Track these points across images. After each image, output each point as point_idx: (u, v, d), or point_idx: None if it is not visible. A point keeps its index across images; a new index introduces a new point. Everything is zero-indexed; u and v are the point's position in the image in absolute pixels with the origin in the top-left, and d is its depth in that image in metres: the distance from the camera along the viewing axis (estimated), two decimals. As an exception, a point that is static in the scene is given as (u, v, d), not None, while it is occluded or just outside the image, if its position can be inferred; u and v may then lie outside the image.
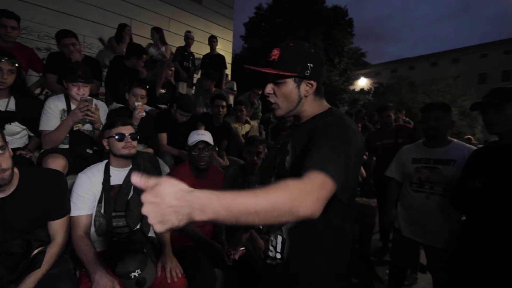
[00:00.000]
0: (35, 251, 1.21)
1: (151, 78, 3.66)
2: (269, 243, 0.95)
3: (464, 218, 1.52)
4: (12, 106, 1.83)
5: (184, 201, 0.50)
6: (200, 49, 5.61)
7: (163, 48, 4.22)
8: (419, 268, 2.61)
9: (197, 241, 1.77)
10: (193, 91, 4.73)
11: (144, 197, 0.50)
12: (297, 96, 0.89)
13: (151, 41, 4.35)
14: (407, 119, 5.25)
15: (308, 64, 0.87)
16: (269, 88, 0.91)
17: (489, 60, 25.82)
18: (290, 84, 0.88)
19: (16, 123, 1.86)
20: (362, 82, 23.07)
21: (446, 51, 29.14)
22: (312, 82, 0.89)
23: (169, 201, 0.49)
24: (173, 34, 5.41)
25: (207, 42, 5.06)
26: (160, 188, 0.49)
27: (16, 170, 1.19)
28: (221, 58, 4.95)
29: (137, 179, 0.51)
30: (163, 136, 2.64)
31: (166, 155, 2.56)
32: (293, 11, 18.67)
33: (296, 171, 0.76)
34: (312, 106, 0.92)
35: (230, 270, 1.75)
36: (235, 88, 5.11)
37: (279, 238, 0.91)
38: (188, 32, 4.74)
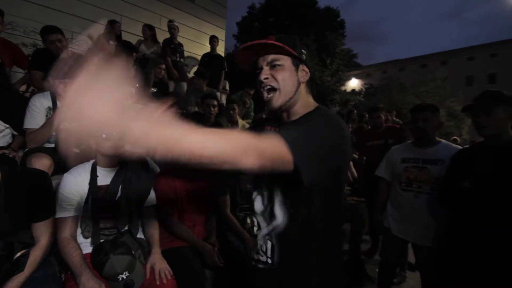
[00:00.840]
0: (18, 254, 1.17)
1: (142, 76, 3.60)
2: (258, 248, 0.93)
3: (451, 217, 1.55)
4: (-6, 103, 1.77)
5: (115, 129, 0.43)
6: (193, 48, 5.56)
7: (155, 48, 4.17)
8: (408, 266, 2.66)
9: (187, 242, 1.75)
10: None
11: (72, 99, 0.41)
12: (296, 80, 0.86)
13: (142, 39, 4.28)
14: (397, 119, 5.34)
15: (303, 50, 0.87)
16: (266, 72, 0.84)
17: (476, 63, 26.56)
18: (288, 66, 0.84)
19: (-1, 121, 1.80)
20: (354, 83, 23.35)
21: (435, 54, 29.83)
22: (306, 69, 0.88)
23: (97, 126, 0.41)
24: (165, 32, 5.34)
25: (200, 41, 5.03)
26: (88, 102, 0.40)
27: (-3, 170, 1.15)
28: (220, 58, 4.91)
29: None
30: (154, 136, 2.60)
31: (156, 154, 2.52)
32: (286, 11, 18.74)
33: (286, 177, 0.72)
34: (303, 101, 0.89)
35: (220, 271, 1.73)
36: (227, 88, 5.09)
37: (269, 244, 0.89)
38: (171, 21, 4.44)
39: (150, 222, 1.60)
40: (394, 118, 5.14)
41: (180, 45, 4.56)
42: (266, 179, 0.92)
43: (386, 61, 34.17)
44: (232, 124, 3.47)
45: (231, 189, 2.12)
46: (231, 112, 3.38)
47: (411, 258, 2.18)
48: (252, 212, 0.98)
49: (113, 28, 3.88)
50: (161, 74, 3.67)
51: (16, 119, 1.83)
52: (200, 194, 1.93)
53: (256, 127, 1.08)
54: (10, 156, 1.76)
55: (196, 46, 5.18)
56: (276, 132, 0.72)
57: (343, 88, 20.19)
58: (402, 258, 2.50)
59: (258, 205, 0.94)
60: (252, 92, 4.47)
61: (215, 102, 2.96)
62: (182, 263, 1.56)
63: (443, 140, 1.87)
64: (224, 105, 4.22)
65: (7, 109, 1.80)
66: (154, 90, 3.37)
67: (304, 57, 0.87)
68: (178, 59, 4.47)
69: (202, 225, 1.94)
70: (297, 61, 0.86)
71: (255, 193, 0.96)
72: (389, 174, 2.02)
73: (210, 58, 4.83)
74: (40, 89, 2.49)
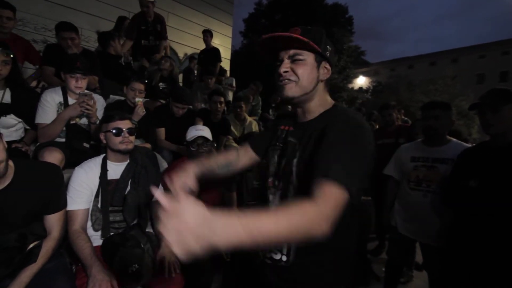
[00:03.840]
0: (31, 245, 1.20)
1: (150, 69, 3.62)
2: (272, 251, 0.92)
3: (456, 216, 1.54)
4: (7, 98, 1.80)
5: (206, 227, 0.47)
6: (199, 45, 5.55)
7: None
8: (415, 266, 2.63)
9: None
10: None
11: (167, 221, 0.46)
12: (316, 77, 0.83)
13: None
14: (406, 118, 5.26)
15: (328, 47, 0.84)
16: (286, 65, 0.82)
17: (487, 61, 25.94)
18: (310, 62, 0.82)
19: (12, 116, 1.83)
20: (361, 81, 23.08)
21: (445, 51, 29.23)
22: (329, 66, 0.85)
23: (192, 227, 0.45)
24: (172, 28, 5.36)
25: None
26: (181, 211, 0.46)
27: (11, 163, 1.17)
28: (216, 51, 4.73)
29: (160, 197, 0.48)
30: (161, 131, 2.62)
31: (164, 150, 2.54)
32: (293, 8, 18.58)
33: (304, 178, 0.75)
34: (320, 99, 0.87)
35: (227, 267, 1.75)
36: (234, 85, 5.08)
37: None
38: None
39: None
40: (403, 117, 5.07)
41: (158, 22, 3.66)
42: (282, 177, 0.91)
43: (394, 58, 33.68)
44: (240, 121, 3.47)
45: (238, 185, 2.13)
46: (238, 110, 3.38)
47: (419, 258, 2.16)
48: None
49: (122, 24, 3.90)
50: (169, 68, 3.47)
51: (28, 114, 1.86)
52: (207, 190, 1.94)
53: (270, 127, 1.07)
54: (23, 150, 1.80)
55: (202, 43, 5.18)
56: (319, 158, 0.72)
57: (350, 85, 19.99)
58: (409, 257, 2.47)
59: (273, 201, 0.94)
60: (255, 88, 4.46)
61: (222, 99, 2.96)
62: (189, 258, 1.57)
63: (454, 139, 1.83)
64: (231, 102, 4.22)
65: (19, 104, 1.83)
66: (163, 85, 3.38)
67: (328, 54, 0.84)
68: (150, 42, 3.68)
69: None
70: (320, 58, 0.83)
71: (270, 192, 0.95)
72: (397, 173, 2.00)
73: (205, 54, 4.70)
74: (51, 85, 2.53)
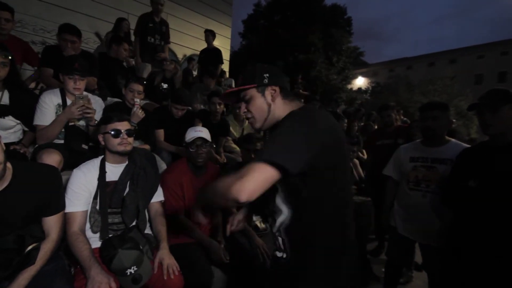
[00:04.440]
0: (29, 247, 1.19)
1: (153, 71, 3.61)
2: (276, 244, 1.00)
3: (455, 216, 1.54)
4: (6, 99, 1.80)
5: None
6: (198, 46, 5.57)
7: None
8: (415, 266, 2.63)
9: (194, 238, 1.76)
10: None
11: None
12: (265, 104, 0.98)
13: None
14: (405, 118, 5.27)
15: (264, 74, 0.99)
16: (243, 107, 1.02)
17: (486, 61, 26.04)
18: (255, 96, 0.98)
19: (10, 117, 1.83)
20: (360, 81, 23.12)
21: (443, 52, 29.34)
22: (274, 87, 0.98)
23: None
24: (171, 30, 5.35)
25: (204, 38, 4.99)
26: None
27: (9, 165, 1.16)
28: (217, 52, 4.70)
29: None
30: (160, 133, 2.62)
31: (163, 151, 2.54)
32: (292, 9, 18.62)
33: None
34: (280, 112, 0.98)
35: (226, 268, 1.74)
36: (233, 86, 5.08)
37: (280, 240, 0.96)
38: None
39: (157, 218, 1.62)
40: (402, 117, 5.09)
41: (163, 24, 3.90)
42: None
43: (393, 59, 33.78)
44: (239, 122, 3.47)
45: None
46: (238, 110, 3.38)
47: (418, 258, 2.16)
48: (267, 213, 1.04)
49: (121, 26, 3.90)
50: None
51: (26, 116, 1.86)
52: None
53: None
54: (21, 151, 1.79)
55: (201, 44, 5.17)
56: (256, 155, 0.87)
57: (349, 86, 20.02)
58: (409, 258, 2.47)
59: (266, 204, 1.00)
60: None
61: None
62: (189, 259, 1.57)
63: (453, 140, 1.84)
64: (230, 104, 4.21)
65: (18, 106, 1.82)
66: (164, 86, 3.37)
67: (266, 80, 0.98)
68: (155, 41, 3.80)
69: (209, 222, 1.96)
70: (261, 88, 0.98)
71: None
72: (397, 173, 2.00)
73: (206, 53, 4.68)
74: (49, 86, 2.53)
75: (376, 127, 4.43)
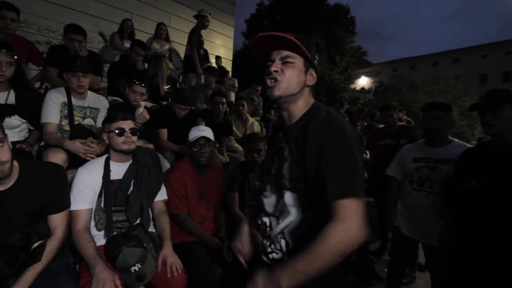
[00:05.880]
0: (35, 245, 1.20)
1: (152, 73, 3.63)
2: (270, 246, 0.94)
3: (457, 216, 1.54)
4: (12, 99, 1.82)
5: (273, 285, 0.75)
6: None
7: (166, 46, 4.18)
8: (418, 267, 2.62)
9: (197, 237, 1.77)
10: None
11: None
12: (302, 81, 0.89)
13: (152, 36, 4.31)
14: (409, 118, 5.25)
15: (316, 56, 0.91)
16: (277, 65, 0.87)
17: (490, 61, 25.79)
18: (299, 66, 0.87)
19: (16, 117, 1.85)
20: (363, 81, 23.02)
21: (447, 51, 29.10)
22: (315, 74, 0.91)
23: None
24: (174, 29, 5.37)
25: (208, 39, 5.00)
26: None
27: (16, 163, 1.18)
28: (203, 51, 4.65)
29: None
30: (163, 132, 2.63)
31: (166, 151, 2.55)
32: (295, 9, 18.57)
33: (295, 180, 0.84)
34: (304, 103, 0.91)
35: (229, 267, 1.75)
36: (236, 85, 5.09)
37: (283, 242, 0.91)
38: (202, 11, 4.22)
39: (161, 217, 1.63)
40: (405, 117, 5.06)
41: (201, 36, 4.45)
42: (275, 181, 0.94)
43: (396, 58, 33.60)
44: (242, 121, 3.48)
45: (240, 186, 2.13)
46: (240, 108, 3.39)
47: (421, 258, 2.15)
48: (261, 213, 0.99)
49: (125, 26, 3.92)
50: (169, 70, 3.51)
51: (32, 115, 1.88)
52: (209, 190, 1.95)
53: (273, 135, 1.12)
54: (27, 150, 1.82)
55: (206, 45, 5.19)
56: (333, 196, 0.77)
57: (352, 86, 19.95)
58: (412, 258, 2.46)
59: (268, 205, 0.96)
60: (259, 89, 4.46)
61: (224, 100, 2.97)
62: (192, 257, 1.58)
63: (456, 140, 1.83)
64: (233, 103, 4.22)
65: (23, 105, 1.84)
66: (166, 88, 3.39)
67: (315, 62, 0.91)
68: (201, 52, 4.39)
69: (211, 220, 1.97)
70: (308, 64, 0.89)
71: (263, 195, 0.99)
72: (399, 174, 1.99)
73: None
74: (54, 86, 2.55)
75: (379, 127, 4.41)
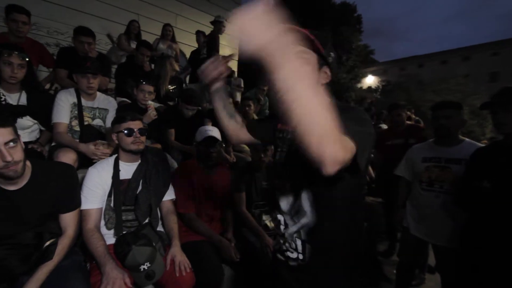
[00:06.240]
0: (47, 243, 1.23)
1: (157, 73, 3.66)
2: (286, 245, 0.94)
3: (469, 217, 1.51)
4: (23, 100, 1.85)
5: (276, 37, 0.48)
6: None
7: (172, 47, 4.22)
8: (428, 269, 2.58)
9: (204, 236, 1.78)
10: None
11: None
12: (315, 79, 0.82)
13: (159, 37, 4.35)
14: (417, 118, 5.16)
15: (332, 53, 0.84)
16: None
17: (501, 59, 25.17)
18: (312, 62, 0.81)
19: (28, 117, 1.89)
20: (370, 80, 22.77)
21: (456, 49, 28.52)
22: (329, 72, 0.84)
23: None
24: (181, 30, 5.41)
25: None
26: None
27: (28, 163, 1.21)
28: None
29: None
30: (171, 132, 2.65)
31: (174, 150, 2.57)
32: (300, 8, 18.48)
33: (317, 179, 0.72)
34: None
35: (237, 267, 1.76)
36: (242, 85, 5.09)
37: (298, 241, 0.90)
38: (219, 17, 4.40)
39: (169, 216, 1.64)
40: (413, 116, 4.98)
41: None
42: (292, 177, 0.92)
43: (404, 57, 33.11)
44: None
45: (247, 186, 2.14)
46: (247, 108, 3.39)
47: (431, 260, 2.12)
48: (276, 211, 0.98)
49: (132, 27, 3.97)
50: (174, 71, 3.59)
51: (43, 116, 1.92)
52: (216, 190, 1.96)
53: (266, 123, 1.05)
54: (38, 150, 1.85)
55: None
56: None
57: (359, 85, 19.76)
58: (421, 260, 2.43)
59: (284, 203, 0.94)
60: (265, 89, 4.46)
61: (231, 100, 2.97)
62: (200, 257, 1.59)
63: (467, 139, 1.79)
64: (239, 103, 4.22)
65: (35, 106, 1.88)
66: (172, 87, 3.42)
67: (330, 59, 0.84)
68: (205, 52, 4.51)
69: (218, 220, 1.97)
70: (322, 61, 0.83)
71: (279, 192, 0.97)
72: (409, 174, 1.96)
73: (197, 54, 4.67)
74: (64, 87, 2.60)
75: (386, 126, 4.36)
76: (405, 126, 3.01)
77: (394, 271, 2.16)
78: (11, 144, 1.08)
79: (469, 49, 27.30)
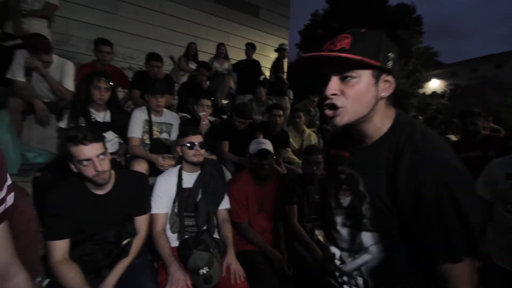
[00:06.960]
0: (124, 242, 1.41)
1: (214, 89, 3.96)
2: (344, 279, 0.84)
3: None
4: (108, 118, 2.20)
5: None
6: (260, 61, 5.75)
7: (225, 64, 4.53)
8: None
9: (257, 247, 1.81)
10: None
11: None
12: (373, 96, 0.68)
13: (213, 56, 4.71)
14: (496, 126, 4.44)
15: (389, 54, 0.68)
16: (334, 85, 0.68)
17: None
18: (365, 79, 0.67)
19: (110, 132, 2.23)
20: (434, 84, 20.52)
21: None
22: (391, 78, 0.70)
23: None
24: (233, 48, 5.75)
25: (265, 53, 5.22)
26: None
27: (112, 171, 1.43)
28: (256, 63, 4.89)
29: None
30: (225, 144, 2.81)
31: (227, 162, 2.71)
32: (351, 15, 17.90)
33: (379, 216, 0.71)
34: (381, 119, 0.72)
35: (288, 280, 1.73)
36: (291, 97, 5.12)
37: (360, 279, 0.80)
38: (283, 45, 5.08)
39: (224, 224, 1.74)
40: (492, 124, 4.30)
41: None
42: (350, 215, 0.81)
43: (476, 57, 28.98)
44: (299, 133, 3.47)
45: (299, 199, 2.12)
46: (297, 120, 3.40)
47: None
48: (329, 242, 0.90)
49: (190, 49, 4.40)
50: (230, 88, 3.90)
51: (123, 131, 2.24)
52: (268, 201, 1.99)
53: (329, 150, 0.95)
54: (118, 160, 2.16)
55: (261, 59, 5.40)
56: (441, 258, 0.64)
57: (421, 90, 17.97)
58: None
59: (340, 239, 0.85)
60: (316, 100, 4.40)
61: (281, 112, 3.03)
62: (254, 266, 1.62)
63: None
64: (289, 114, 4.25)
65: (117, 123, 2.21)
66: (225, 102, 3.65)
67: (389, 64, 0.68)
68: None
69: (270, 232, 1.99)
70: (379, 71, 0.68)
71: (332, 228, 0.87)
72: (489, 193, 1.69)
73: (245, 64, 4.85)
74: (136, 105, 3.00)
75: (456, 138, 3.85)
76: (482, 137, 2.62)
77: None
78: (102, 156, 1.29)
79: None
